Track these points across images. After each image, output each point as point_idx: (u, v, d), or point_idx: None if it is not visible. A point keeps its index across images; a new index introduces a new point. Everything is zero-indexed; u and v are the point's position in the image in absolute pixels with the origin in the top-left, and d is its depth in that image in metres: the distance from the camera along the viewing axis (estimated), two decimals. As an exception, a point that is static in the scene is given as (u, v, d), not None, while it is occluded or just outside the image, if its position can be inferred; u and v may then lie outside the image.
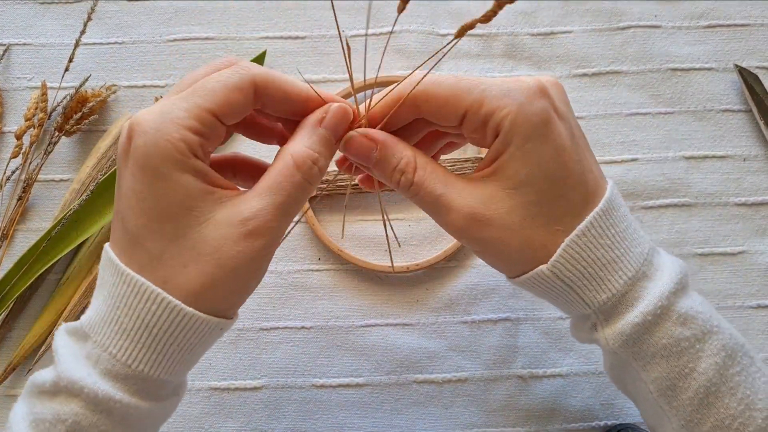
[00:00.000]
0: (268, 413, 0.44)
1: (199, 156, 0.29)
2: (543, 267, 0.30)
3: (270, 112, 0.31)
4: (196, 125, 0.28)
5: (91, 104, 0.46)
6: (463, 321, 0.46)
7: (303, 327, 0.45)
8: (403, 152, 0.31)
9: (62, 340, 0.29)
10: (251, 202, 0.28)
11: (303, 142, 0.30)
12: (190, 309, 0.28)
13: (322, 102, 0.31)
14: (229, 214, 0.28)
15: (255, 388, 0.45)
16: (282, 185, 0.29)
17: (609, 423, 0.44)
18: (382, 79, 0.48)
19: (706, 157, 0.48)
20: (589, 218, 0.30)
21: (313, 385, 0.45)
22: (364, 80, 0.33)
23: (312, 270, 0.46)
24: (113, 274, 0.29)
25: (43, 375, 0.29)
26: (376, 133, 0.31)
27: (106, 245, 0.30)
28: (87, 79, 0.47)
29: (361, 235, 0.47)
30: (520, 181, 0.30)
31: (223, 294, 0.29)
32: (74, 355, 0.29)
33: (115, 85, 0.48)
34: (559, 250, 0.30)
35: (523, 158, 0.30)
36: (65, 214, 0.44)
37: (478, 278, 0.46)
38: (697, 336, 0.30)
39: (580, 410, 0.44)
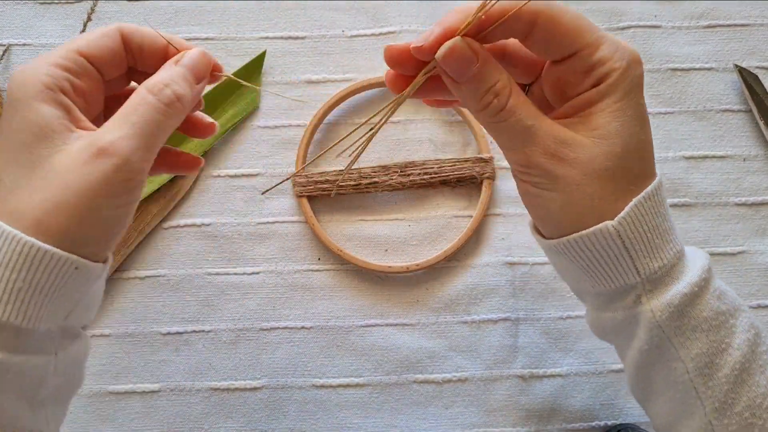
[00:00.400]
0: (268, 413, 0.44)
1: (67, 92, 0.29)
2: (609, 222, 0.30)
3: (140, 66, 0.32)
4: (63, 62, 0.29)
5: None
6: (464, 321, 0.46)
7: (303, 327, 0.45)
8: (502, 74, 0.30)
9: None
10: (106, 127, 0.28)
11: (156, 77, 0.30)
12: (29, 238, 0.26)
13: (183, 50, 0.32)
14: (83, 142, 0.28)
15: (255, 389, 0.45)
16: (136, 108, 0.28)
17: (609, 423, 0.44)
18: (381, 80, 0.48)
19: (706, 157, 0.48)
20: (654, 183, 0.30)
21: (313, 385, 0.45)
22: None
23: (312, 270, 0.46)
24: None
25: None
26: (479, 46, 0.29)
27: None
28: None
29: (361, 235, 0.47)
30: (610, 132, 0.30)
31: (71, 222, 0.27)
32: None
33: None
34: (627, 207, 0.30)
35: (617, 112, 0.30)
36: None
37: (478, 278, 0.46)
38: (731, 311, 0.30)
39: (580, 410, 0.44)
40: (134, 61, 0.32)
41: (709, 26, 0.50)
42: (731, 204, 0.48)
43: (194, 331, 0.45)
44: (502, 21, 0.29)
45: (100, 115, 0.33)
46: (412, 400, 0.45)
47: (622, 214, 0.30)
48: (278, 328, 0.45)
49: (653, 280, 0.30)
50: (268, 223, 0.47)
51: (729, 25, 0.50)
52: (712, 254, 0.47)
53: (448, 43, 0.29)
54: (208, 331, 0.45)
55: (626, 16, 0.50)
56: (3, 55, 0.49)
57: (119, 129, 0.28)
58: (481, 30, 0.29)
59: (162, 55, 0.32)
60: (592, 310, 0.34)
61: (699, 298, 0.30)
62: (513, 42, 0.33)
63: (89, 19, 0.46)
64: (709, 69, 0.50)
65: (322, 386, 0.45)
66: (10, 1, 0.50)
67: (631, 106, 0.30)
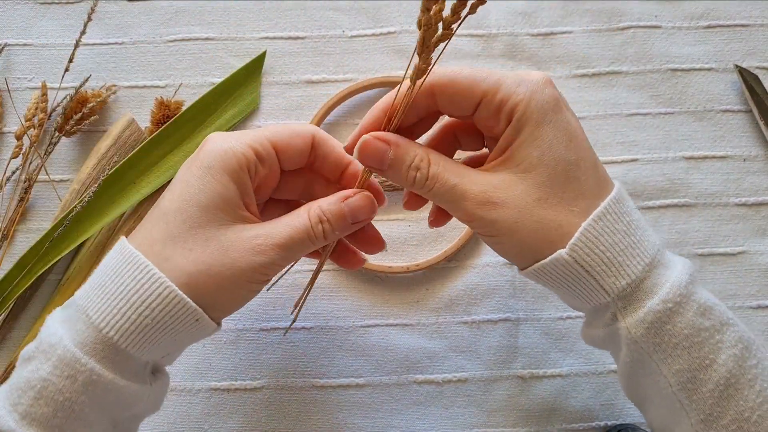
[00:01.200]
0: (269, 414, 0.44)
1: (251, 175, 0.33)
2: (562, 251, 0.30)
3: (317, 168, 0.36)
4: (257, 147, 0.33)
5: (91, 104, 0.46)
6: (464, 321, 0.46)
7: (303, 327, 0.45)
8: (416, 150, 0.32)
9: (55, 311, 0.32)
10: (268, 228, 0.32)
11: (323, 205, 0.34)
12: (173, 284, 0.30)
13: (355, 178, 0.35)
14: (247, 229, 0.32)
15: (255, 389, 0.45)
16: (296, 228, 0.33)
17: (609, 423, 0.44)
18: (381, 80, 0.48)
19: (706, 157, 0.48)
20: (606, 202, 0.30)
21: (314, 385, 0.45)
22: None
23: (312, 270, 0.46)
24: (115, 250, 0.32)
25: (29, 344, 0.30)
26: (389, 134, 0.33)
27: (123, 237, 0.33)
28: (87, 80, 0.47)
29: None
30: (532, 163, 0.31)
31: (212, 286, 0.31)
32: (55, 319, 0.31)
33: (114, 86, 0.48)
34: (577, 233, 0.30)
35: (534, 142, 0.31)
36: (66, 215, 0.44)
37: (478, 278, 0.46)
38: (716, 327, 0.30)
39: (580, 410, 0.44)
40: (314, 164, 0.36)
41: (709, 26, 0.50)
42: (731, 204, 0.48)
43: (194, 332, 0.45)
44: (406, 107, 0.32)
45: (264, 210, 0.37)
46: (412, 401, 0.45)
47: (572, 240, 0.30)
48: (278, 328, 0.45)
49: (624, 297, 0.30)
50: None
51: (729, 26, 0.50)
52: (712, 255, 0.47)
53: (359, 142, 0.32)
54: (208, 332, 0.45)
55: (626, 17, 0.50)
56: (1, 51, 0.49)
57: (277, 237, 0.32)
58: (391, 119, 0.33)
59: (341, 168, 0.36)
60: (583, 325, 0.35)
61: (678, 315, 0.30)
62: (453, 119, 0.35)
63: (89, 19, 0.46)
64: (709, 69, 0.50)
65: (323, 386, 0.45)
66: (10, 0, 0.50)
67: (549, 130, 0.31)
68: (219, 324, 0.33)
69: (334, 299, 0.46)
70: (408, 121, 0.34)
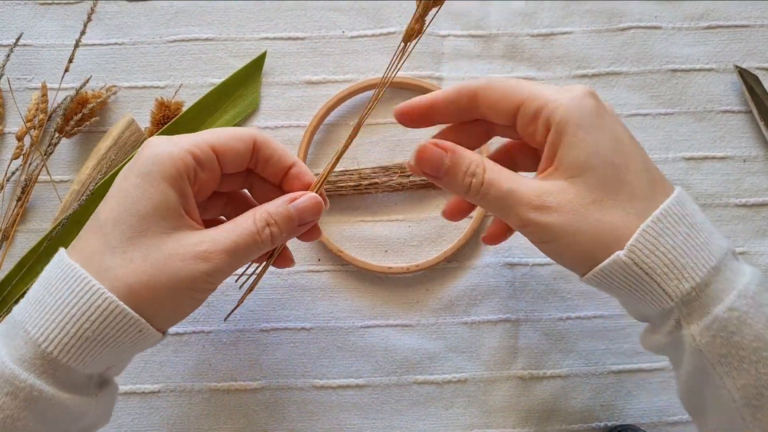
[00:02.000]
0: (268, 414, 0.44)
1: (190, 181, 0.32)
2: (620, 252, 0.29)
3: (259, 171, 0.35)
4: (196, 151, 0.32)
5: (91, 105, 0.46)
6: (463, 322, 0.46)
7: (303, 328, 0.45)
8: (472, 157, 0.33)
9: None
10: (212, 234, 0.32)
11: (270, 208, 0.33)
12: (113, 296, 0.29)
13: (305, 182, 0.35)
14: (189, 237, 0.32)
15: (255, 389, 0.45)
16: (241, 233, 0.32)
17: (609, 424, 0.44)
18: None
19: (706, 158, 0.48)
20: (666, 203, 0.30)
21: (313, 386, 0.45)
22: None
23: (312, 271, 0.46)
24: (53, 263, 0.31)
25: None
26: (446, 141, 0.33)
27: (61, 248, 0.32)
28: (88, 81, 0.47)
29: (361, 236, 0.47)
30: (580, 167, 0.31)
31: (155, 297, 0.30)
32: None
33: (114, 86, 0.48)
34: (636, 234, 0.29)
35: (579, 145, 0.31)
36: (65, 216, 0.44)
37: (478, 279, 0.46)
38: None
39: (580, 411, 0.44)
40: (256, 167, 0.35)
41: (709, 27, 0.50)
42: (731, 205, 0.48)
43: (194, 332, 0.45)
44: (448, 102, 0.34)
45: (204, 203, 0.36)
46: (412, 401, 0.45)
47: (631, 241, 0.29)
48: (278, 329, 0.45)
49: (688, 302, 0.29)
50: (268, 224, 0.47)
51: (729, 26, 0.50)
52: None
53: (416, 148, 0.33)
54: (209, 332, 0.45)
55: (626, 17, 0.50)
56: (10, 52, 0.49)
57: (222, 242, 0.32)
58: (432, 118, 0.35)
59: (284, 171, 0.35)
60: (644, 331, 0.33)
61: (746, 326, 0.28)
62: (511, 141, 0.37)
63: (89, 19, 0.46)
64: (709, 70, 0.50)
65: (322, 387, 0.45)
66: (10, 1, 0.50)
67: (592, 134, 0.31)
68: (164, 333, 0.33)
69: (334, 300, 0.46)
70: (450, 121, 0.35)
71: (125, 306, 0.30)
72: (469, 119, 0.35)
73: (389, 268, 0.45)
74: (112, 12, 0.50)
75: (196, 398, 0.44)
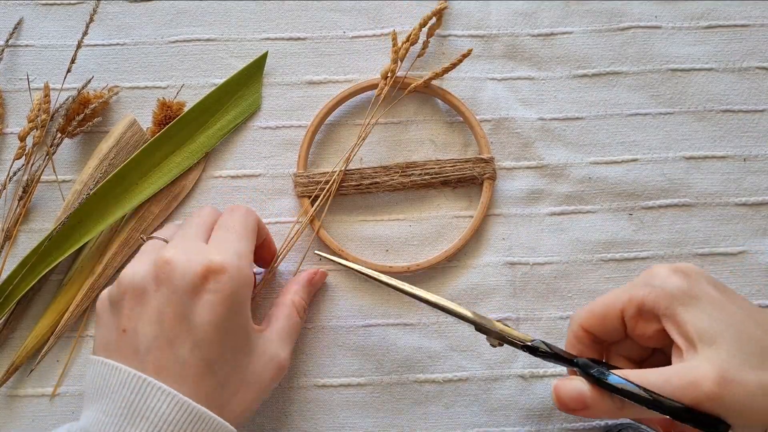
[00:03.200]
0: (269, 413, 0.44)
1: None
2: None
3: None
4: (252, 263, 0.36)
5: (93, 105, 0.46)
6: (464, 321, 0.46)
7: (304, 327, 0.46)
8: (604, 405, 0.34)
9: None
10: (275, 336, 0.38)
11: (299, 293, 0.41)
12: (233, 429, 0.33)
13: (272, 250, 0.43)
14: (266, 350, 0.36)
15: (257, 388, 0.45)
16: (295, 328, 0.39)
17: (609, 423, 0.44)
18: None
19: (706, 157, 0.49)
20: None
21: (314, 384, 0.45)
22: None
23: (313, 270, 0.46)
24: (166, 403, 0.31)
25: None
26: (583, 395, 0.34)
27: (126, 368, 0.32)
28: (90, 81, 0.47)
29: (362, 235, 0.47)
30: (706, 340, 0.31)
31: (249, 416, 0.35)
32: None
33: (117, 86, 0.48)
34: None
35: (691, 321, 0.32)
36: (66, 215, 0.44)
37: (479, 278, 0.46)
38: None
39: (580, 410, 0.44)
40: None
41: (709, 27, 0.50)
42: (732, 204, 0.48)
43: (196, 331, 0.45)
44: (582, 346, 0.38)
45: None
46: (413, 400, 0.45)
47: None
48: (280, 328, 0.46)
49: None
50: (269, 223, 0.47)
51: (729, 26, 0.50)
52: (712, 254, 0.47)
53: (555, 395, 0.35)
54: (210, 331, 0.45)
55: (626, 17, 0.50)
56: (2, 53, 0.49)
57: (287, 346, 0.38)
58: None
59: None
60: None
61: None
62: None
63: (91, 20, 0.46)
64: (709, 69, 0.50)
65: (323, 386, 0.45)
66: (11, 1, 0.50)
67: (693, 309, 0.32)
68: None
69: (335, 299, 0.46)
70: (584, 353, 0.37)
71: None
72: (597, 349, 0.38)
73: (390, 267, 0.45)
74: (114, 12, 0.50)
75: (197, 397, 0.44)
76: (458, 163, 0.47)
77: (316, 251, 0.43)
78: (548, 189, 0.48)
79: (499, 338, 0.38)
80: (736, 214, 0.48)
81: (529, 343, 0.37)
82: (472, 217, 0.47)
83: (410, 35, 0.47)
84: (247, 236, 0.36)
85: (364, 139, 0.44)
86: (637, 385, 0.32)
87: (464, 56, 0.46)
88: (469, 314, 0.38)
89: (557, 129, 0.49)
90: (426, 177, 0.47)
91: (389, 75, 0.46)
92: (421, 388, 0.45)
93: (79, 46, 0.47)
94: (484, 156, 0.47)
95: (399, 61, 0.46)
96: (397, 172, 0.47)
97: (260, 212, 0.47)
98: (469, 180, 0.47)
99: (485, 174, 0.47)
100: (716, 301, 0.32)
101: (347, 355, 0.45)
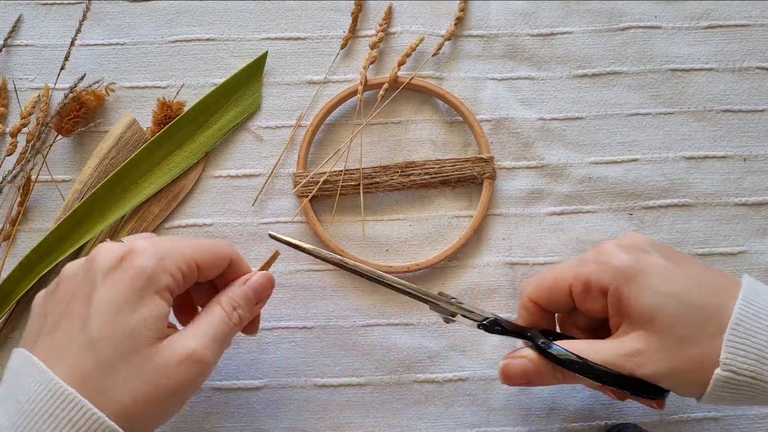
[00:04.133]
0: (269, 413, 0.44)
1: (172, 293, 0.33)
2: (717, 371, 0.31)
3: (216, 278, 0.37)
4: (183, 267, 0.33)
5: (88, 103, 0.46)
6: (464, 321, 0.46)
7: (304, 327, 0.46)
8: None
9: None
10: (191, 333, 0.33)
11: (230, 294, 0.36)
12: (112, 423, 0.29)
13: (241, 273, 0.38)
14: (174, 341, 0.32)
15: (256, 388, 0.45)
16: (216, 324, 0.34)
17: (609, 422, 0.44)
18: (381, 80, 0.48)
19: (706, 157, 0.48)
20: (737, 308, 0.31)
21: (315, 384, 0.45)
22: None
23: (313, 270, 0.46)
24: (38, 381, 0.29)
25: None
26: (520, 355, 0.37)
27: (22, 350, 0.31)
28: (82, 79, 0.47)
29: (362, 235, 0.47)
30: (650, 313, 0.33)
31: (151, 415, 0.31)
32: None
33: (114, 83, 0.48)
34: (723, 350, 0.31)
35: (633, 297, 0.33)
36: (66, 215, 0.44)
37: (479, 278, 0.46)
38: None
39: (580, 410, 0.45)
40: (221, 276, 0.37)
41: (709, 27, 0.50)
42: (731, 204, 0.48)
43: (196, 331, 0.45)
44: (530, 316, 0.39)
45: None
46: (412, 400, 0.45)
47: (721, 357, 0.31)
48: (279, 327, 0.46)
49: None
50: (269, 223, 0.47)
51: (729, 26, 0.50)
52: (712, 254, 0.47)
53: (501, 368, 0.38)
54: (210, 331, 0.45)
55: (626, 17, 0.50)
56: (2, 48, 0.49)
57: (202, 338, 0.33)
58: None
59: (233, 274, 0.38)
60: None
61: None
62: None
63: (84, 17, 0.46)
64: (709, 69, 0.50)
65: (323, 386, 0.45)
66: (11, 1, 0.50)
67: (644, 281, 0.33)
68: None
69: (335, 299, 0.46)
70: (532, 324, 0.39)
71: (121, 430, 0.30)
72: (546, 319, 0.39)
73: (390, 267, 0.45)
74: (114, 12, 0.50)
75: (197, 397, 0.44)
76: (458, 163, 0.47)
77: (270, 232, 0.40)
78: (548, 189, 0.48)
79: (452, 314, 0.39)
80: (736, 214, 0.48)
81: (485, 322, 0.39)
82: (471, 216, 0.47)
83: (442, 43, 0.48)
84: (193, 247, 0.34)
85: (351, 141, 0.44)
86: (577, 356, 0.34)
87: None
88: (423, 291, 0.39)
89: (557, 129, 0.49)
90: (426, 177, 0.47)
91: (363, 80, 0.47)
92: (421, 388, 0.45)
93: (72, 44, 0.47)
94: (484, 155, 0.47)
95: (397, 65, 0.47)
96: (397, 172, 0.47)
97: (260, 212, 0.47)
98: (469, 180, 0.47)
99: (485, 173, 0.47)
100: (662, 272, 0.33)
101: (347, 354, 0.45)
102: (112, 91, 0.48)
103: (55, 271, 0.46)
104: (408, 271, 0.45)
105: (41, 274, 0.44)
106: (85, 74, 0.47)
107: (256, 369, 0.45)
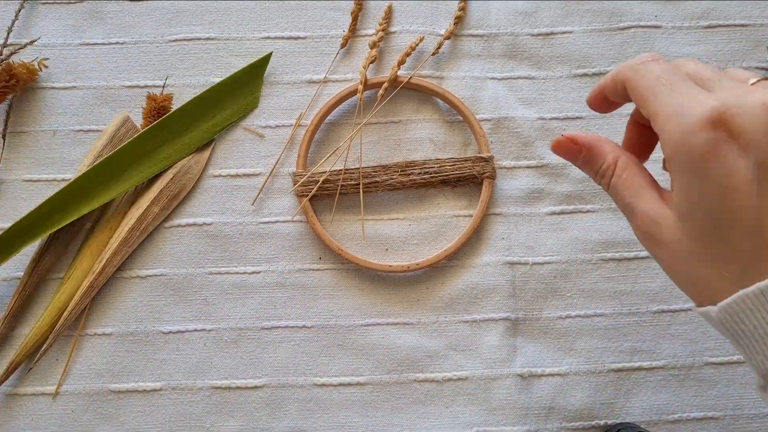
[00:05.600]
0: (269, 412, 0.44)
1: None
2: (712, 309, 0.28)
3: None
4: None
5: (18, 75, 0.46)
6: (464, 320, 0.46)
7: (304, 326, 0.46)
8: (604, 156, 0.32)
9: None
10: None
11: None
12: None
13: None
14: None
15: (256, 387, 0.45)
16: None
17: (609, 422, 0.44)
18: (381, 80, 0.48)
19: (705, 157, 0.48)
20: None
21: (314, 384, 0.45)
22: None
23: (312, 269, 0.46)
24: None
25: None
26: (580, 136, 0.33)
27: None
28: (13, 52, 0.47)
29: (362, 234, 0.47)
30: (685, 213, 0.28)
31: None
32: None
33: (46, 59, 0.48)
34: (729, 300, 0.27)
35: (683, 190, 0.28)
36: (56, 195, 0.44)
37: (478, 277, 0.46)
38: None
39: (579, 409, 0.45)
40: None
41: (709, 26, 0.50)
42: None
43: (195, 330, 0.45)
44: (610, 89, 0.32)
45: None
46: (412, 399, 0.45)
47: (721, 305, 0.27)
48: (279, 327, 0.46)
49: None
50: (269, 222, 0.47)
51: (729, 26, 0.50)
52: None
53: (553, 140, 0.33)
54: (210, 330, 0.45)
55: (626, 17, 0.50)
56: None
57: None
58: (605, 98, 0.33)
59: None
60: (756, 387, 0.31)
61: None
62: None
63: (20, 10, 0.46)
64: (709, 69, 0.50)
65: (323, 385, 0.45)
66: (11, 0, 0.50)
67: (697, 181, 0.27)
68: None
69: (335, 298, 0.46)
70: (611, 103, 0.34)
71: None
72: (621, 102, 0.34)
73: (390, 266, 0.45)
74: (114, 11, 0.50)
75: (197, 396, 0.44)
76: (458, 162, 0.47)
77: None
78: (548, 188, 0.48)
79: None
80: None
81: None
82: (471, 216, 0.47)
83: (441, 42, 0.48)
84: None
85: (351, 140, 0.44)
86: None
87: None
88: None
89: (557, 128, 0.49)
90: (425, 176, 0.47)
91: (364, 80, 0.46)
92: (420, 387, 0.45)
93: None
94: (484, 155, 0.47)
95: (398, 65, 0.47)
96: (397, 171, 0.47)
97: (259, 211, 0.47)
98: (469, 179, 0.47)
99: (485, 173, 0.47)
100: (712, 181, 0.27)
101: (346, 354, 0.45)
102: (45, 67, 0.48)
103: (55, 269, 0.46)
104: (408, 271, 0.45)
105: (21, 249, 0.44)
106: (27, 44, 0.48)
107: (255, 368, 0.45)
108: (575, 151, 0.33)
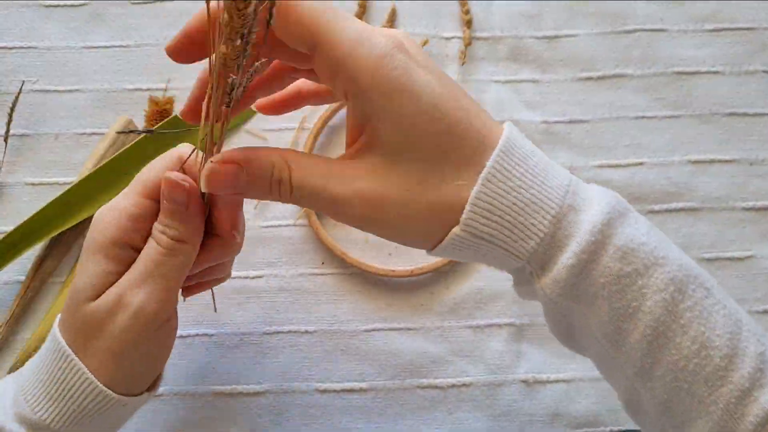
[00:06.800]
0: (272, 418, 0.44)
1: (129, 242, 0.31)
2: (455, 229, 0.27)
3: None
4: (134, 210, 0.31)
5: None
6: (468, 325, 0.45)
7: (306, 331, 0.45)
8: (272, 158, 0.27)
9: (4, 383, 0.33)
10: (132, 288, 0.30)
11: (157, 222, 0.31)
12: (99, 384, 0.31)
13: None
14: (115, 296, 0.30)
15: (258, 393, 0.44)
16: (145, 261, 0.31)
17: (614, 429, 0.44)
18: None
19: (712, 161, 0.48)
20: (489, 163, 0.27)
21: (317, 389, 0.45)
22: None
23: (315, 274, 0.46)
24: (52, 341, 0.32)
25: None
26: (235, 153, 0.28)
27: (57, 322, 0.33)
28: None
29: (365, 238, 0.47)
30: (399, 145, 0.26)
31: (117, 368, 0.31)
32: (6, 397, 0.32)
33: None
34: (467, 207, 0.27)
35: (391, 119, 0.26)
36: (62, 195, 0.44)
37: (483, 282, 0.46)
38: (639, 271, 0.27)
39: (584, 416, 0.44)
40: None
41: (715, 29, 0.50)
42: (738, 208, 0.47)
43: (197, 335, 0.45)
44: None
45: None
46: (415, 405, 0.44)
47: (463, 216, 0.27)
48: (281, 332, 0.45)
49: (536, 258, 0.27)
50: (271, 227, 0.47)
51: (735, 28, 0.50)
52: (719, 259, 0.47)
53: (204, 174, 0.28)
54: (212, 335, 0.45)
55: (631, 19, 0.50)
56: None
57: (130, 280, 0.30)
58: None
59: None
60: (513, 283, 0.31)
61: (593, 264, 0.27)
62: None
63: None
64: (715, 72, 0.49)
65: (326, 391, 0.45)
66: (14, 2, 0.50)
67: (402, 104, 0.26)
68: (154, 389, 0.34)
69: (338, 303, 0.46)
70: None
71: (106, 389, 0.31)
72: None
73: (393, 271, 0.45)
74: (117, 14, 0.50)
75: (199, 402, 0.44)
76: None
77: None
78: (552, 192, 0.47)
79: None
80: (743, 218, 0.47)
81: None
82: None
83: (465, 51, 0.48)
84: (132, 186, 0.32)
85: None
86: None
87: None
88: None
89: (562, 132, 0.48)
90: (429, 180, 0.47)
91: None
92: (424, 394, 0.45)
93: None
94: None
95: None
96: (400, 175, 0.47)
97: (262, 215, 0.47)
98: (473, 183, 0.47)
99: (489, 177, 0.46)
100: (417, 98, 0.26)
101: (349, 359, 0.45)
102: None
103: (56, 273, 0.46)
104: (411, 275, 0.45)
105: (21, 254, 0.44)
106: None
107: (257, 374, 0.45)
108: (235, 176, 0.27)
